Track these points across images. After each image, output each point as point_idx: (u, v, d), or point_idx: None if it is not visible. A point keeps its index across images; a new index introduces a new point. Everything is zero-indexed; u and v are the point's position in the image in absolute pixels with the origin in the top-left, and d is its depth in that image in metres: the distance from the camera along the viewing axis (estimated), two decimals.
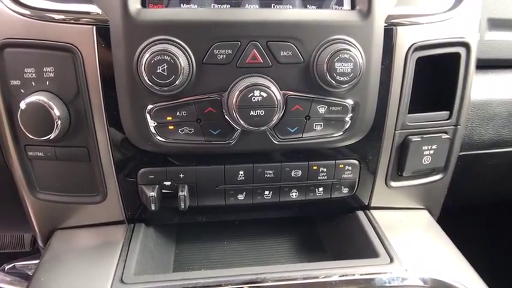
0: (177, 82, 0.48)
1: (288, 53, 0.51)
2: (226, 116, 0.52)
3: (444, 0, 0.58)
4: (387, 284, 0.52)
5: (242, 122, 0.50)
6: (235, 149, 0.54)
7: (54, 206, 0.60)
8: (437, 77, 0.62)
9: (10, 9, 0.51)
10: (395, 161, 0.62)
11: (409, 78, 0.57)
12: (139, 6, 0.50)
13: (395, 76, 0.56)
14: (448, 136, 0.62)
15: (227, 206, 0.61)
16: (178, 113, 0.52)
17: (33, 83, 0.52)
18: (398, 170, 0.63)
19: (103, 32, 0.50)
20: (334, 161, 0.60)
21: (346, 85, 0.51)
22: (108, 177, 0.57)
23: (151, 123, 0.52)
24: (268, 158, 0.59)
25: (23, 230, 0.97)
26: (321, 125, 0.55)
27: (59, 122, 0.52)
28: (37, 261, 1.27)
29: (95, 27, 0.50)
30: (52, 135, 0.52)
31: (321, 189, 0.62)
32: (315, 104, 0.54)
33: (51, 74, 0.52)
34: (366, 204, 0.65)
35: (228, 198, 0.60)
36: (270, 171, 0.59)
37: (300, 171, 0.60)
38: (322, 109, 0.54)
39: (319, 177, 0.60)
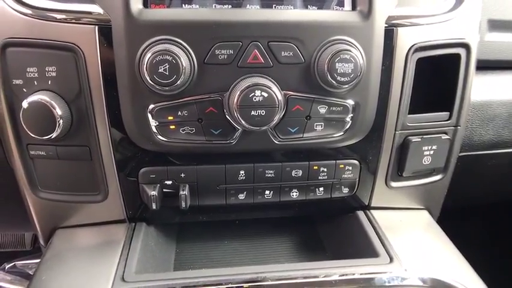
0: (178, 82, 0.48)
1: (289, 53, 0.51)
2: (227, 116, 0.52)
3: (444, 1, 0.59)
4: (387, 284, 0.52)
5: (243, 122, 0.51)
6: (236, 148, 0.55)
7: (55, 205, 0.60)
8: (438, 78, 0.62)
9: (12, 8, 0.51)
10: (396, 161, 0.62)
11: (410, 79, 0.58)
12: (141, 6, 0.50)
13: (396, 77, 0.57)
14: (448, 137, 0.63)
15: (228, 206, 0.61)
16: (179, 113, 0.52)
17: (35, 82, 0.53)
18: (398, 170, 0.63)
19: (105, 31, 0.51)
20: (334, 161, 0.60)
21: (346, 85, 0.51)
22: (109, 176, 0.57)
23: (153, 123, 0.53)
24: (269, 157, 0.59)
25: (24, 228, 0.97)
26: (321, 125, 0.55)
27: (61, 121, 0.52)
28: (38, 260, 1.27)
29: (97, 27, 0.51)
30: (54, 135, 0.52)
31: (321, 189, 0.62)
32: (316, 104, 0.54)
33: (54, 74, 0.52)
34: (366, 204, 0.66)
35: (228, 198, 0.60)
36: (271, 171, 0.59)
37: (301, 171, 0.60)
38: (322, 109, 0.54)
39: (319, 177, 0.61)
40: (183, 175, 0.58)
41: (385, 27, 0.54)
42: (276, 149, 0.56)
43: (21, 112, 0.52)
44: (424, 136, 0.61)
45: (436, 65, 0.61)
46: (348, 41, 0.52)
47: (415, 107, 0.61)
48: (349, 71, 0.51)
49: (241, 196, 0.61)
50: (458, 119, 0.63)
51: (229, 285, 0.52)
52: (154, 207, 0.57)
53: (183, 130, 0.53)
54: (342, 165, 0.61)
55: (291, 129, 0.55)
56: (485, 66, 0.72)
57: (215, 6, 0.52)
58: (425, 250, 0.59)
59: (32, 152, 0.56)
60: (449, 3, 0.59)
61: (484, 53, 0.71)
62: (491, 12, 0.70)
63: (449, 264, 0.56)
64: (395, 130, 0.60)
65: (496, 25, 0.71)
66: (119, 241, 0.58)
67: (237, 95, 0.50)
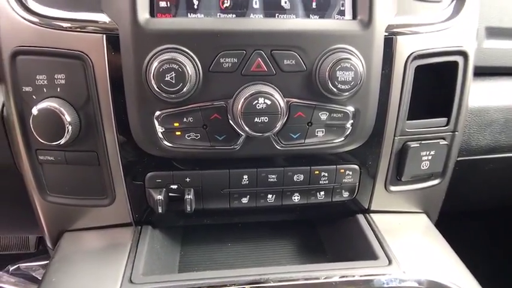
0: (184, 90, 0.50)
1: (291, 62, 0.53)
2: (231, 122, 0.54)
3: (443, 10, 0.60)
4: (385, 285, 0.54)
5: (247, 128, 0.52)
6: (240, 154, 0.56)
7: (63, 208, 0.62)
8: (436, 84, 0.64)
9: (22, 17, 0.53)
10: (395, 166, 0.64)
11: (408, 86, 0.59)
12: (147, 15, 0.52)
13: (395, 84, 0.59)
14: (445, 142, 0.64)
15: (231, 209, 0.63)
16: (185, 119, 0.54)
17: (44, 89, 0.54)
18: (397, 175, 0.65)
19: (113, 40, 0.52)
20: (335, 166, 0.62)
21: (347, 93, 0.53)
22: (116, 181, 0.59)
23: (159, 129, 0.54)
24: (272, 162, 0.61)
25: (30, 231, 0.98)
26: (322, 131, 0.57)
27: (70, 127, 0.54)
28: (41, 263, 1.29)
29: (104, 35, 0.52)
30: (63, 140, 0.54)
31: (322, 193, 0.64)
32: (317, 111, 0.56)
33: (62, 81, 0.54)
34: (366, 207, 0.67)
35: (232, 202, 0.62)
36: (273, 176, 0.61)
37: (302, 175, 0.62)
38: (324, 116, 0.56)
39: (320, 182, 0.62)
40: (188, 179, 0.60)
41: (385, 35, 0.56)
42: (278, 154, 0.58)
43: (31, 118, 0.54)
44: (423, 141, 0.63)
45: (434, 71, 0.62)
46: (348, 49, 0.53)
47: (414, 113, 0.63)
48: (350, 78, 0.52)
49: (245, 200, 0.62)
50: (456, 124, 0.65)
51: (233, 287, 0.53)
52: (160, 210, 0.59)
53: (188, 136, 0.55)
54: (343, 170, 0.62)
55: (293, 135, 0.57)
56: (483, 72, 0.74)
57: (219, 15, 0.54)
58: (423, 253, 0.61)
59: (40, 157, 0.58)
60: (447, 12, 0.60)
61: (482, 60, 0.72)
62: (489, 20, 0.72)
63: (446, 266, 0.58)
64: (394, 136, 0.62)
65: (493, 32, 0.72)
66: (126, 244, 0.59)
67: (241, 102, 0.52)
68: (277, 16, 0.55)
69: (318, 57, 0.53)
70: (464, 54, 0.61)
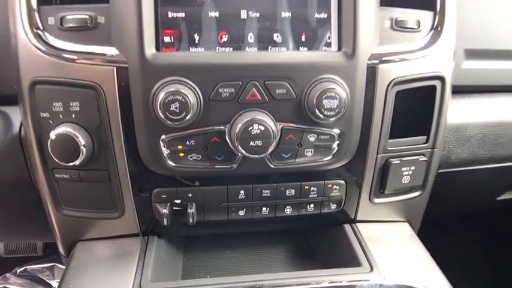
0: (187, 117, 0.57)
1: (282, 91, 0.60)
2: (229, 145, 0.61)
3: (421, 38, 0.67)
4: None
5: (243, 151, 0.60)
6: (237, 172, 0.64)
7: (76, 221, 0.70)
8: (416, 105, 0.71)
9: (40, 50, 0.59)
10: (378, 181, 0.71)
11: (389, 109, 0.67)
12: (154, 50, 0.58)
13: (377, 108, 0.66)
14: (425, 158, 0.72)
15: (229, 221, 0.70)
16: (187, 142, 0.61)
17: (60, 115, 0.61)
18: (380, 188, 0.72)
19: (122, 72, 0.59)
20: (323, 181, 0.69)
21: (332, 118, 0.60)
22: (125, 196, 0.66)
23: (165, 151, 0.62)
24: (266, 179, 0.68)
25: (40, 238, 1.06)
26: (311, 151, 0.64)
27: (84, 149, 0.61)
28: (48, 265, 1.37)
29: (115, 68, 0.59)
30: (78, 161, 0.61)
31: (311, 205, 0.71)
32: (306, 134, 0.63)
33: (77, 108, 0.61)
34: (352, 218, 0.75)
35: (230, 214, 0.69)
36: (267, 191, 0.68)
37: (293, 190, 0.69)
38: (312, 138, 0.63)
39: (310, 196, 0.70)
40: (190, 195, 0.67)
41: (368, 64, 0.63)
42: (271, 172, 0.65)
43: (49, 142, 0.60)
44: (403, 158, 0.70)
45: (414, 93, 0.70)
46: (334, 79, 0.60)
47: (395, 132, 0.70)
48: (335, 106, 0.59)
49: (241, 212, 0.70)
50: (434, 142, 0.72)
51: None
52: (165, 223, 0.66)
53: (190, 157, 0.63)
54: (330, 185, 0.70)
55: (285, 155, 0.64)
56: (462, 91, 0.81)
57: (218, 49, 0.60)
58: (403, 260, 0.68)
59: (57, 175, 0.65)
60: (425, 40, 0.67)
61: (461, 80, 0.79)
62: (467, 43, 0.79)
63: (423, 272, 0.66)
64: (377, 154, 0.69)
65: (471, 54, 0.80)
66: (135, 253, 0.67)
67: (237, 128, 0.59)
68: (270, 49, 0.62)
69: (306, 86, 0.60)
70: (441, 78, 0.68)
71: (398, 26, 0.65)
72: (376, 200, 0.74)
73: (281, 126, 0.62)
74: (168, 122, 0.58)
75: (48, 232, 0.77)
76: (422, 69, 0.67)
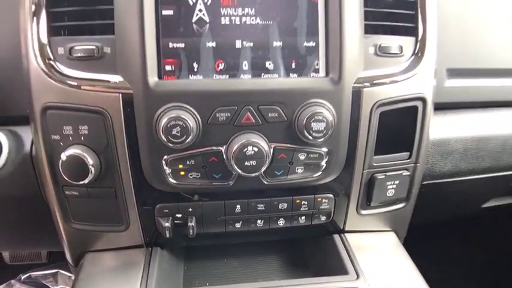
0: (187, 140, 0.64)
1: (274, 114, 0.67)
2: (226, 164, 0.68)
3: (404, 62, 0.73)
4: None
5: (239, 170, 0.66)
6: (233, 188, 0.71)
7: (85, 233, 0.76)
8: (399, 124, 0.77)
9: (51, 78, 0.66)
10: (364, 194, 0.78)
11: (374, 128, 0.73)
12: (156, 78, 0.65)
13: (362, 128, 0.72)
14: (408, 173, 0.79)
15: (227, 232, 0.77)
16: (188, 162, 0.68)
17: (70, 138, 0.68)
18: (367, 201, 0.79)
19: (127, 98, 0.66)
20: (313, 195, 0.76)
21: (320, 139, 0.66)
22: (131, 211, 0.73)
23: (167, 170, 0.68)
24: (260, 194, 0.75)
25: (51, 248, 1.12)
26: (301, 168, 0.71)
27: (92, 169, 0.67)
28: (51, 271, 1.43)
29: (121, 95, 0.66)
30: (86, 180, 0.68)
31: (303, 217, 0.78)
32: (297, 153, 0.70)
33: (86, 131, 0.67)
34: (341, 228, 0.82)
35: (227, 226, 0.76)
36: (262, 205, 0.75)
37: (286, 204, 0.76)
38: (302, 156, 0.70)
39: (301, 209, 0.77)
40: (190, 209, 0.74)
41: (353, 88, 0.69)
42: (265, 188, 0.72)
43: (60, 163, 0.67)
44: (388, 173, 0.77)
45: (397, 113, 0.76)
46: (321, 103, 0.67)
47: (380, 149, 0.77)
48: (322, 128, 0.66)
49: (238, 225, 0.77)
50: (417, 157, 0.79)
51: None
52: (167, 235, 0.73)
53: (190, 175, 0.69)
54: (320, 199, 0.77)
55: (277, 173, 0.71)
56: (445, 107, 0.88)
57: (215, 76, 0.67)
58: (388, 268, 0.75)
59: (67, 192, 0.72)
60: (407, 64, 0.73)
61: (444, 97, 0.86)
62: (449, 62, 0.86)
63: (406, 279, 0.73)
64: (363, 169, 0.76)
65: (453, 73, 0.86)
66: (140, 263, 0.74)
67: (233, 150, 0.65)
68: (263, 75, 0.68)
69: (296, 110, 0.67)
70: (423, 99, 0.75)
71: (382, 52, 0.71)
72: (363, 212, 0.81)
73: (273, 146, 0.68)
74: (170, 144, 0.64)
75: (54, 242, 0.84)
76: (404, 91, 0.73)
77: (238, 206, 0.75)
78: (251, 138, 0.66)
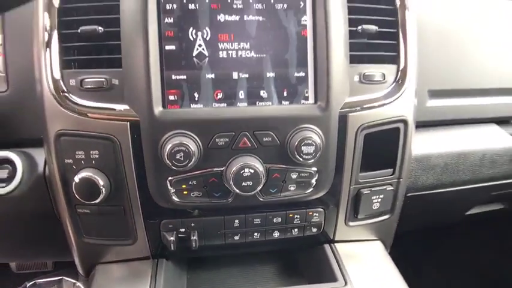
0: (190, 164, 0.71)
1: (268, 139, 0.75)
2: (225, 184, 0.76)
3: (386, 88, 0.81)
4: None
5: (236, 190, 0.74)
6: (232, 205, 0.79)
7: (95, 247, 0.85)
8: (383, 143, 0.85)
9: (64, 107, 0.73)
10: (352, 207, 0.87)
11: (359, 149, 0.82)
12: (161, 108, 0.72)
13: (348, 148, 0.81)
14: (392, 188, 0.87)
15: (226, 244, 0.86)
16: (190, 182, 0.76)
17: (82, 162, 0.75)
18: (354, 214, 0.88)
19: (135, 126, 0.73)
20: (305, 210, 0.85)
21: (310, 160, 0.75)
22: (138, 227, 0.81)
23: (171, 190, 0.76)
24: (256, 210, 0.83)
25: (60, 259, 1.20)
26: (294, 186, 0.79)
27: (103, 189, 0.75)
28: (56, 278, 1.51)
29: (129, 123, 0.73)
30: (98, 200, 0.75)
31: (296, 230, 0.87)
32: (289, 172, 0.78)
33: (96, 156, 0.75)
34: (331, 238, 0.91)
35: (227, 239, 0.85)
36: (258, 219, 0.84)
37: (280, 218, 0.85)
38: (294, 175, 0.78)
39: (294, 222, 0.85)
40: (193, 224, 0.82)
41: (340, 113, 0.77)
42: (261, 204, 0.80)
43: (73, 184, 0.74)
44: (373, 188, 0.86)
45: (381, 134, 0.84)
46: (311, 128, 0.75)
47: (365, 166, 0.85)
48: (311, 151, 0.74)
49: (236, 237, 0.85)
50: (400, 173, 0.87)
51: None
52: (172, 248, 0.81)
53: (193, 194, 0.77)
54: (311, 212, 0.85)
55: (272, 190, 0.79)
56: (427, 125, 0.97)
57: (214, 105, 0.75)
58: (374, 274, 0.84)
59: (79, 210, 0.80)
60: (390, 89, 0.81)
61: (425, 116, 0.95)
62: (430, 84, 0.95)
63: (389, 285, 0.82)
64: (350, 186, 0.84)
65: (434, 94, 0.96)
66: (147, 274, 0.83)
67: (231, 171, 0.73)
68: (258, 103, 0.76)
69: (288, 134, 0.75)
70: (404, 121, 0.83)
71: (366, 79, 0.79)
72: (351, 223, 0.90)
73: (268, 167, 0.76)
74: (174, 167, 0.72)
75: (62, 253, 0.92)
76: (387, 114, 0.82)
77: (236, 221, 0.84)
78: (247, 161, 0.74)
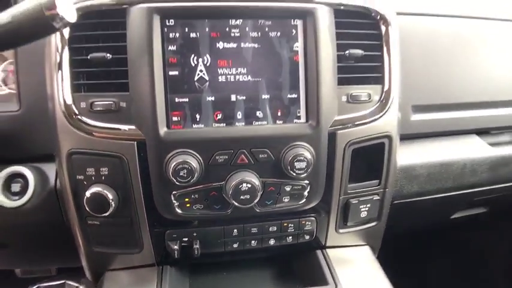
0: (192, 179, 0.80)
1: (264, 156, 0.83)
2: (224, 197, 0.84)
3: (372, 107, 0.89)
4: None
5: (235, 203, 0.83)
6: (231, 216, 0.87)
7: (104, 255, 0.92)
8: (369, 157, 0.94)
9: (76, 128, 0.81)
10: (341, 216, 0.96)
11: (347, 163, 0.90)
12: (165, 128, 0.80)
13: (337, 163, 0.89)
14: (378, 197, 0.96)
15: (226, 251, 0.94)
16: (192, 196, 0.84)
17: (93, 178, 0.83)
18: (344, 221, 0.97)
19: (141, 145, 0.81)
20: (298, 219, 0.94)
21: (302, 175, 0.83)
22: (144, 237, 0.89)
23: (175, 203, 0.84)
24: (253, 220, 0.92)
25: (68, 265, 1.28)
26: (288, 197, 0.88)
27: (112, 203, 0.83)
28: (59, 282, 1.59)
29: (135, 142, 0.81)
30: (107, 213, 0.83)
31: (290, 237, 0.95)
32: (283, 185, 0.86)
33: (106, 172, 0.83)
34: (323, 244, 1.00)
35: (226, 247, 0.93)
36: (255, 228, 0.92)
37: (275, 227, 0.93)
38: (288, 188, 0.87)
39: (288, 230, 0.94)
40: (195, 234, 0.90)
41: (329, 131, 0.86)
42: (257, 215, 0.88)
43: (84, 199, 0.82)
44: (361, 198, 0.95)
45: (367, 148, 0.93)
46: (303, 145, 0.83)
47: (354, 178, 0.94)
48: (304, 166, 0.82)
49: (235, 245, 0.94)
50: (385, 184, 0.96)
51: None
52: (176, 256, 0.89)
53: (195, 206, 0.85)
54: (304, 221, 0.94)
55: (267, 202, 0.87)
56: (411, 138, 1.06)
57: (214, 125, 0.83)
58: (362, 277, 0.94)
59: (89, 222, 0.87)
60: (375, 108, 0.89)
61: (410, 129, 1.04)
62: (414, 99, 1.03)
63: (376, 286, 0.91)
64: (339, 196, 0.93)
65: (418, 109, 1.04)
66: (153, 280, 0.91)
67: (230, 186, 0.82)
68: (254, 123, 0.84)
69: (282, 151, 0.83)
70: (389, 137, 0.92)
71: (353, 99, 0.88)
72: (341, 230, 0.98)
73: (264, 181, 0.85)
74: (178, 183, 0.80)
75: (69, 260, 1.00)
76: (372, 131, 0.90)
77: (235, 230, 0.92)
78: (245, 176, 0.83)
